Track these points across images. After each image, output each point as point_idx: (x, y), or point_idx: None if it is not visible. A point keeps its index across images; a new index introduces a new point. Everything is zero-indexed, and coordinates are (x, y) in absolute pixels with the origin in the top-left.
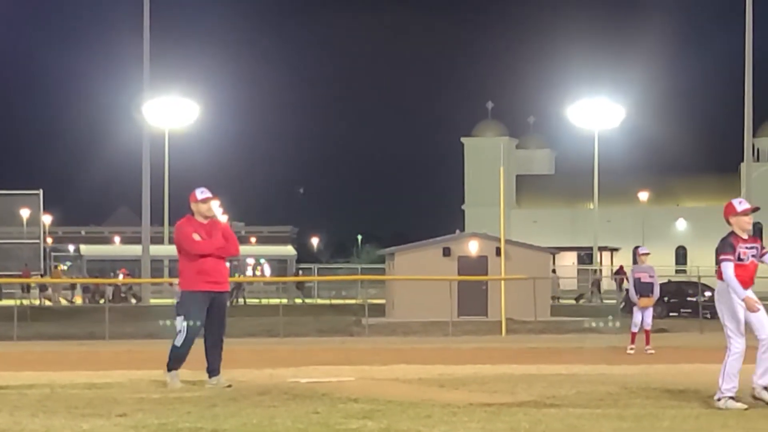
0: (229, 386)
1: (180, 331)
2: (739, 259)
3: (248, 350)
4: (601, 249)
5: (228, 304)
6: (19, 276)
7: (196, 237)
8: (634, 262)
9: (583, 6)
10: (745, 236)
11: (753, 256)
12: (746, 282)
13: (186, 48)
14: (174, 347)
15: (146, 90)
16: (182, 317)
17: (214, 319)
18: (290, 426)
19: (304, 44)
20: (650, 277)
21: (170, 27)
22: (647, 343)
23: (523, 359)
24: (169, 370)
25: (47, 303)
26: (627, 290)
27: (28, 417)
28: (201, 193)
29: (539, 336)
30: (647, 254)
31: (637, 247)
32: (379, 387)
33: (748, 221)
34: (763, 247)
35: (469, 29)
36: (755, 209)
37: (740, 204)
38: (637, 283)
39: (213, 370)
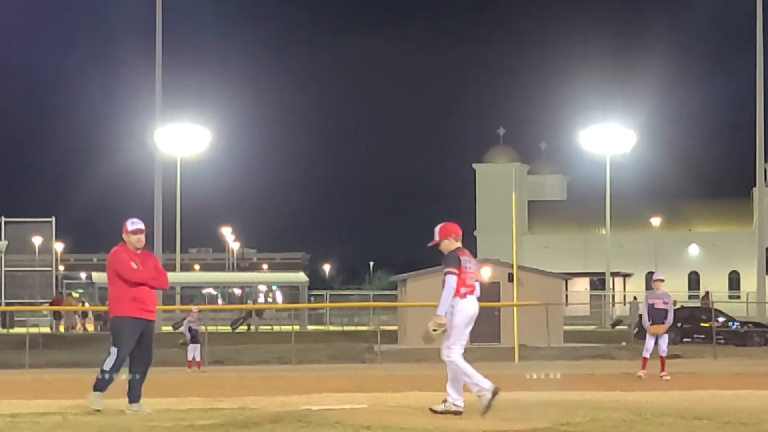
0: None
1: (110, 354)
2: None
3: (260, 377)
4: (614, 274)
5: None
6: (51, 303)
7: (133, 265)
8: (647, 288)
9: (595, 32)
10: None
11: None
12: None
13: (198, 75)
14: (102, 370)
15: (158, 117)
16: (114, 344)
17: (144, 347)
18: None
19: (314, 70)
20: (664, 303)
21: (182, 54)
22: (662, 369)
23: (536, 386)
24: (95, 389)
25: (61, 330)
26: (640, 315)
27: None
28: (132, 224)
29: (552, 362)
30: (662, 280)
31: (651, 273)
32: (392, 414)
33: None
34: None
35: (480, 55)
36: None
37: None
38: (651, 309)
39: (135, 397)
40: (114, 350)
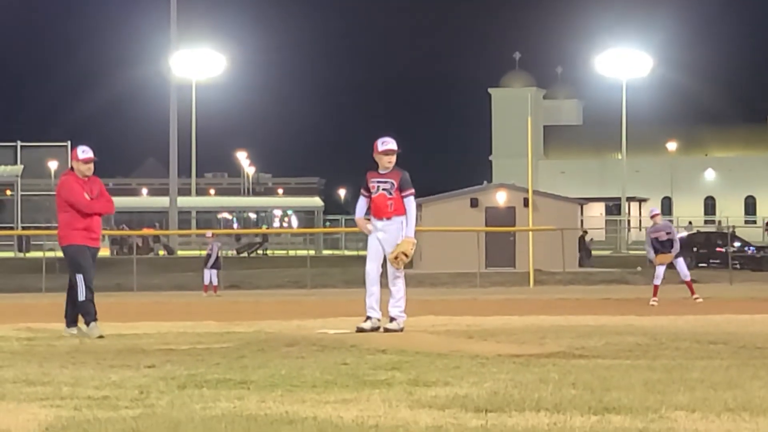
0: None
1: (77, 283)
2: (370, 191)
3: (276, 301)
4: (630, 199)
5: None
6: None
7: (86, 196)
8: (663, 213)
9: None
10: (383, 171)
11: (384, 189)
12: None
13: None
14: (80, 303)
15: (173, 41)
16: (76, 272)
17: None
18: (319, 377)
19: None
20: (667, 234)
21: None
22: (692, 293)
23: (551, 310)
24: (87, 323)
25: None
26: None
27: (57, 368)
28: (83, 152)
29: (567, 287)
30: (658, 214)
31: (667, 198)
32: (408, 338)
33: (387, 160)
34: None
35: None
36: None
37: (382, 144)
38: (656, 242)
39: (74, 321)
40: (79, 277)
